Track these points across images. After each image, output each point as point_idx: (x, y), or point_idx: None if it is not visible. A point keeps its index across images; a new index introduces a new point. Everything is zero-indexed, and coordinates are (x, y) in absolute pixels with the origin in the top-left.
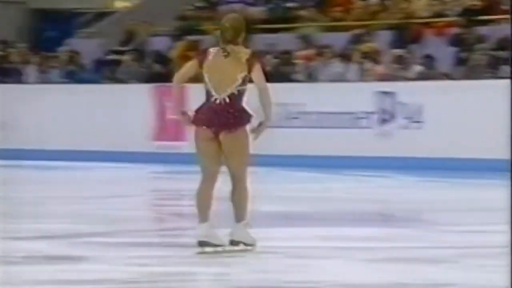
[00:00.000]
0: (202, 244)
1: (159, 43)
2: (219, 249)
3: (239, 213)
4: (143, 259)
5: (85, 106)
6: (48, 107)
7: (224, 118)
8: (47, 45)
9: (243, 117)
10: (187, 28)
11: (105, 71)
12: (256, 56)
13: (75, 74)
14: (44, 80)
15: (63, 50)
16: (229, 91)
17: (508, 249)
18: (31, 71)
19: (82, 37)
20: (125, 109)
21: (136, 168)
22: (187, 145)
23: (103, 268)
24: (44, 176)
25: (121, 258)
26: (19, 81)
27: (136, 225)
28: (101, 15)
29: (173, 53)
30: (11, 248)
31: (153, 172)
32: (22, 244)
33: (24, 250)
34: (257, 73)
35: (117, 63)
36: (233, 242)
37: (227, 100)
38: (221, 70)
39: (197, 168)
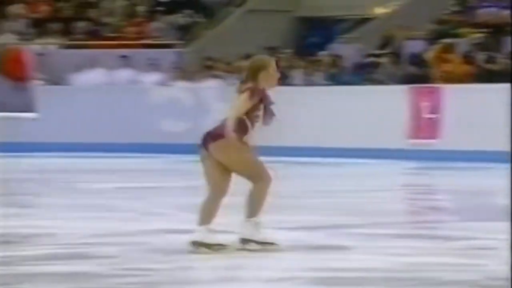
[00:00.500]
0: (194, 243)
1: (415, 46)
2: (217, 248)
3: (249, 209)
4: (398, 249)
5: (346, 106)
6: (312, 107)
7: (211, 132)
8: (311, 50)
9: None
10: (442, 31)
11: (365, 73)
12: (253, 89)
13: (337, 77)
14: (309, 82)
15: (326, 55)
16: (226, 116)
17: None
18: (297, 74)
19: (343, 42)
20: (383, 108)
21: (392, 164)
22: (441, 143)
23: (362, 258)
24: (309, 172)
25: (378, 248)
26: (287, 84)
27: (391, 218)
28: (361, 22)
29: (429, 56)
30: (277, 237)
31: (407, 168)
32: (285, 234)
33: (287, 239)
34: (238, 98)
35: (376, 65)
36: (242, 241)
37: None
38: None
39: (449, 164)
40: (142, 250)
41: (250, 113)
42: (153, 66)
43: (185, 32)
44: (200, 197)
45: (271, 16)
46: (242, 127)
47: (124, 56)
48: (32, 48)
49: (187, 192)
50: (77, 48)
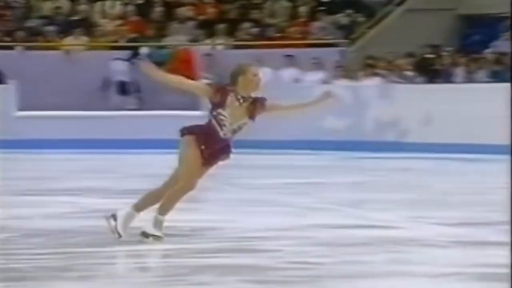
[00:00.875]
0: (112, 215)
1: None
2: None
3: (161, 207)
4: None
5: (509, 103)
6: (474, 104)
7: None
8: (473, 48)
9: (189, 127)
10: None
11: None
12: (214, 84)
13: (500, 74)
14: (471, 80)
15: (490, 52)
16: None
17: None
18: (459, 72)
19: (507, 39)
20: None
21: None
22: None
23: None
24: (470, 168)
25: None
26: (448, 81)
27: None
28: None
29: None
30: (437, 233)
31: None
32: (447, 230)
33: (448, 235)
34: None
35: None
36: (143, 233)
37: None
38: None
39: None
40: (307, 244)
41: (213, 111)
42: (316, 65)
43: (347, 31)
44: (364, 193)
45: (432, 15)
46: (209, 130)
47: (289, 56)
48: (200, 49)
49: (350, 188)
50: (243, 48)
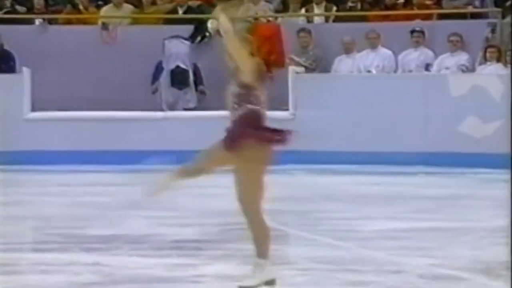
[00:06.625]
0: None
1: None
2: None
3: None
4: None
5: None
6: None
7: None
8: None
9: None
10: None
11: None
12: None
13: None
14: None
15: None
16: None
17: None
18: None
19: None
20: None
21: None
22: None
23: None
24: None
25: None
26: None
27: None
28: None
29: None
30: None
31: None
32: None
33: None
34: None
35: None
36: None
37: None
38: None
39: None
40: None
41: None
42: (455, 44)
43: None
44: None
45: None
46: None
47: (416, 31)
48: (290, 22)
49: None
50: (351, 21)
